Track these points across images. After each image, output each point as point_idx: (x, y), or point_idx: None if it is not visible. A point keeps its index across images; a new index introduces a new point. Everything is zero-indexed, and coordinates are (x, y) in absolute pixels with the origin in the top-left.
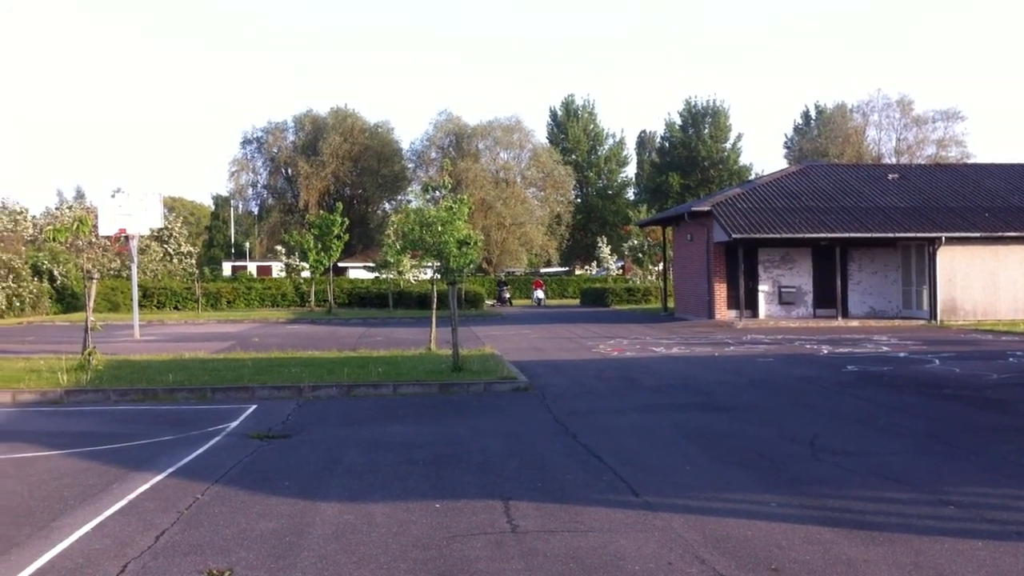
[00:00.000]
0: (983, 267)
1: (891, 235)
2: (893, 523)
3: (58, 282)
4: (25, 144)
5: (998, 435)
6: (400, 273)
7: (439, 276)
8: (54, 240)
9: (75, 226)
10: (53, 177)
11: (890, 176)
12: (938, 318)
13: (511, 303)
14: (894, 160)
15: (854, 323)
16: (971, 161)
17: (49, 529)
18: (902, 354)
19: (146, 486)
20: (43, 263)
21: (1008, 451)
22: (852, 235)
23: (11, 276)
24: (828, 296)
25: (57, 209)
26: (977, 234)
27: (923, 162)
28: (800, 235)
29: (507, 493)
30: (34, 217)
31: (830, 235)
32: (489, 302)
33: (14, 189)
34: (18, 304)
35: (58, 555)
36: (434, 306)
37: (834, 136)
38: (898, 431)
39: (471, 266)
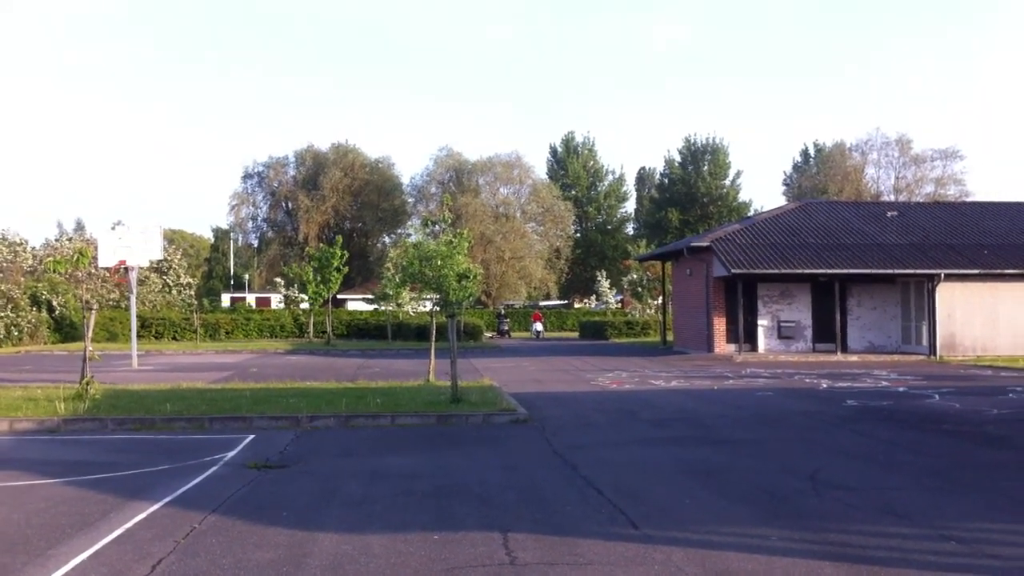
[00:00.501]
0: (982, 303)
1: (890, 271)
2: (894, 558)
3: (56, 312)
4: (25, 176)
5: (999, 470)
6: (399, 305)
7: (438, 308)
8: (54, 271)
9: (75, 258)
10: (53, 209)
11: (889, 214)
12: (937, 353)
13: (510, 335)
14: (893, 198)
15: (853, 358)
16: (970, 199)
17: (45, 557)
18: (902, 389)
19: (143, 515)
20: (42, 293)
21: (1009, 486)
22: (851, 271)
23: (9, 306)
24: (827, 331)
25: (57, 240)
26: (976, 271)
27: (922, 200)
28: (799, 271)
29: (506, 525)
30: (34, 248)
31: (829, 271)
32: (488, 334)
33: (14, 220)
34: (16, 333)
35: None
36: (433, 338)
37: (833, 174)
38: (899, 466)
39: (470, 299)
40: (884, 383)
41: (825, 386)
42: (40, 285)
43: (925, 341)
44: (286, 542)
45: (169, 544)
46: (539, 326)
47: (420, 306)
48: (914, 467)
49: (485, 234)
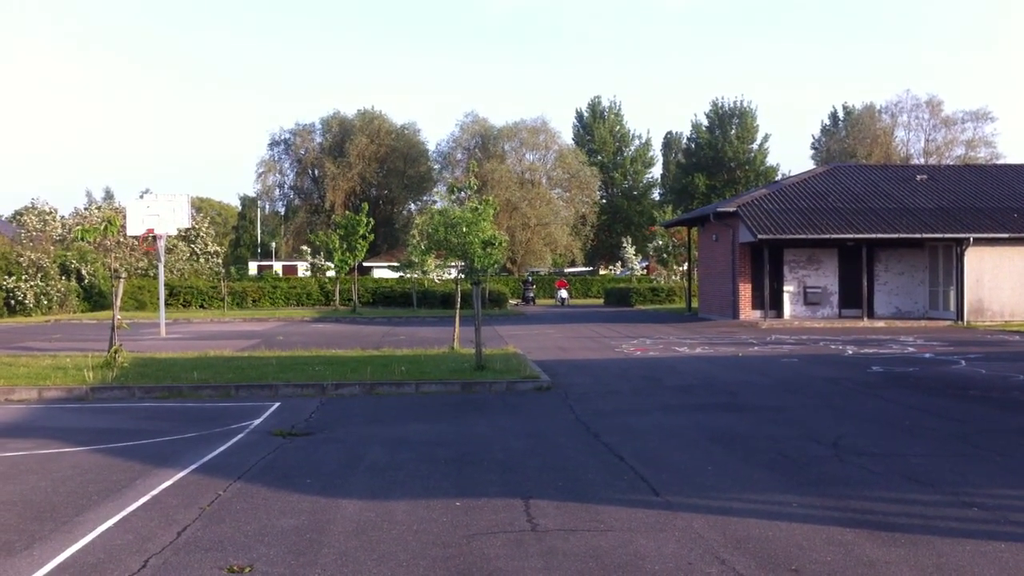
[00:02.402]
0: (1012, 268)
1: (918, 236)
2: (916, 525)
3: (86, 281)
4: (55, 145)
5: None
6: (424, 273)
7: (463, 276)
8: (82, 240)
9: (103, 226)
10: (82, 178)
11: (918, 177)
12: (965, 319)
13: (535, 302)
14: (923, 161)
15: (880, 324)
16: (1001, 162)
17: (72, 524)
18: (928, 355)
19: (169, 482)
20: (71, 262)
21: None
22: (879, 236)
23: (39, 275)
24: (854, 297)
25: (86, 209)
26: (1006, 235)
27: (952, 163)
28: (826, 236)
29: (528, 492)
30: (63, 217)
31: (857, 236)
32: (513, 301)
33: (44, 190)
34: (45, 302)
35: (80, 550)
36: (458, 305)
37: (862, 137)
38: (923, 432)
39: (495, 266)
40: (910, 349)
41: (850, 352)
42: (69, 254)
43: (952, 306)
44: (310, 508)
45: (195, 511)
46: (564, 293)
47: (445, 273)
48: (938, 433)
49: (511, 200)
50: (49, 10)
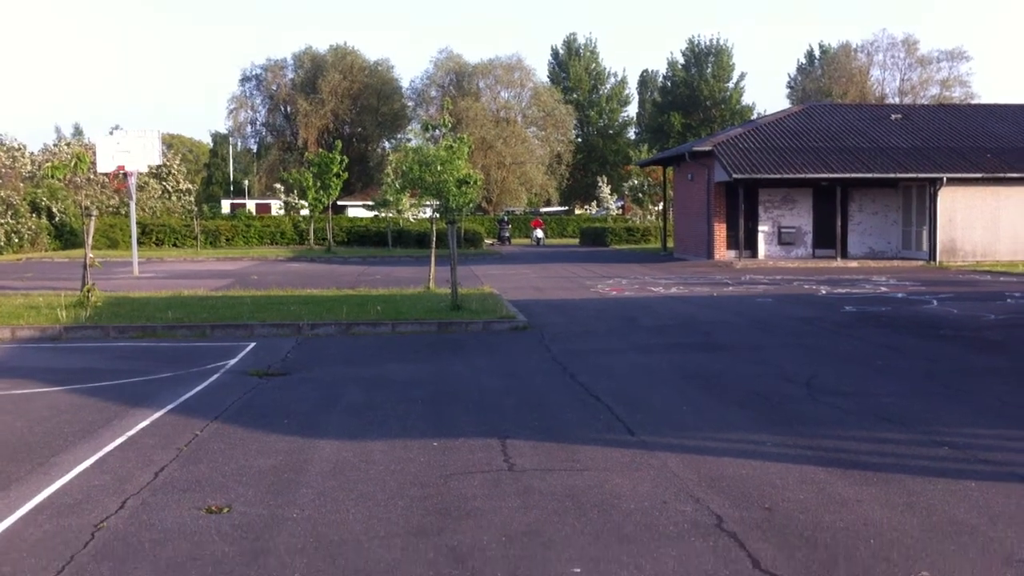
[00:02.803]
0: (984, 208)
1: (892, 175)
2: (888, 463)
3: (56, 219)
4: (23, 80)
5: (994, 376)
6: (399, 212)
7: (438, 215)
8: (52, 177)
9: (73, 163)
10: (51, 114)
11: (893, 116)
12: (937, 259)
13: (510, 242)
14: (898, 100)
15: (853, 264)
16: (976, 102)
17: (48, 465)
18: (900, 295)
19: (145, 422)
20: (41, 200)
21: (1004, 392)
22: (853, 175)
23: (9, 212)
24: (828, 237)
25: (55, 146)
26: (979, 175)
27: (927, 102)
28: (801, 175)
29: (504, 432)
30: (32, 154)
31: (831, 175)
32: (489, 241)
33: (12, 126)
34: (16, 240)
35: (57, 491)
36: (433, 245)
37: (838, 76)
38: (895, 372)
39: (470, 205)
40: (883, 289)
41: (824, 292)
42: (39, 191)
43: (925, 246)
44: (287, 448)
45: (172, 451)
46: (540, 232)
47: (420, 213)
48: (910, 373)
49: (486, 139)
50: None
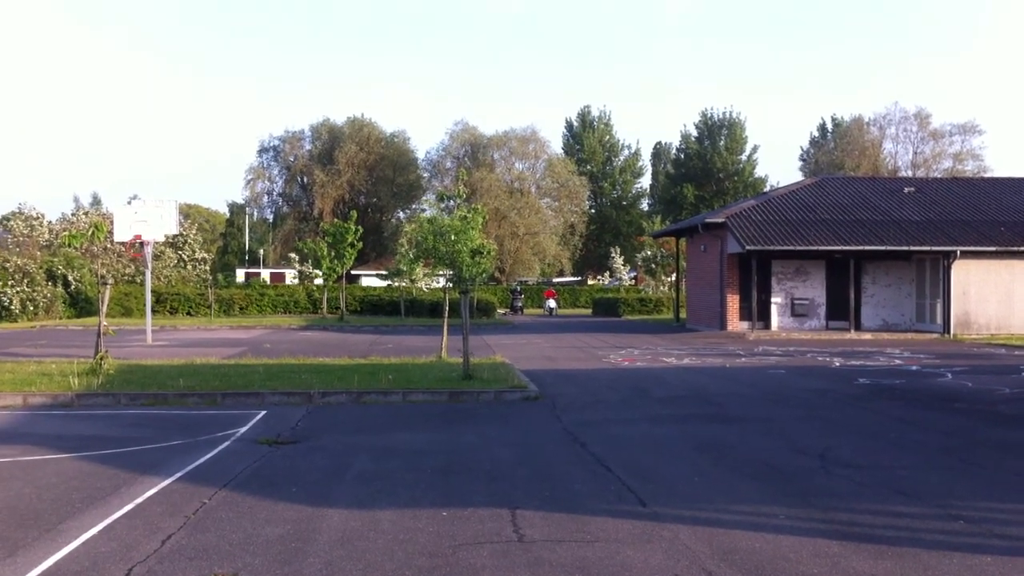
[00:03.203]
0: (998, 281)
1: (906, 248)
2: (902, 537)
3: (72, 287)
4: (43, 152)
5: (1010, 450)
6: (412, 281)
7: (451, 284)
8: (69, 245)
9: (91, 232)
10: (70, 183)
11: (906, 189)
12: (952, 332)
13: (523, 312)
14: (911, 173)
15: (867, 336)
16: (988, 175)
17: (56, 531)
18: (914, 367)
19: (154, 490)
20: (58, 268)
21: (1020, 466)
22: (866, 248)
23: (25, 280)
24: (841, 309)
25: (73, 215)
26: (992, 248)
27: (940, 175)
28: (814, 247)
29: (515, 502)
30: (50, 223)
31: (844, 248)
32: (501, 311)
33: (31, 195)
34: (31, 308)
35: (64, 558)
36: (446, 314)
37: (850, 149)
38: (909, 445)
39: (483, 275)
40: (897, 361)
41: (837, 364)
42: (56, 260)
43: (939, 319)
44: (295, 517)
45: (179, 519)
46: (552, 303)
47: (434, 282)
48: (925, 446)
49: (500, 209)
50: (37, 14)
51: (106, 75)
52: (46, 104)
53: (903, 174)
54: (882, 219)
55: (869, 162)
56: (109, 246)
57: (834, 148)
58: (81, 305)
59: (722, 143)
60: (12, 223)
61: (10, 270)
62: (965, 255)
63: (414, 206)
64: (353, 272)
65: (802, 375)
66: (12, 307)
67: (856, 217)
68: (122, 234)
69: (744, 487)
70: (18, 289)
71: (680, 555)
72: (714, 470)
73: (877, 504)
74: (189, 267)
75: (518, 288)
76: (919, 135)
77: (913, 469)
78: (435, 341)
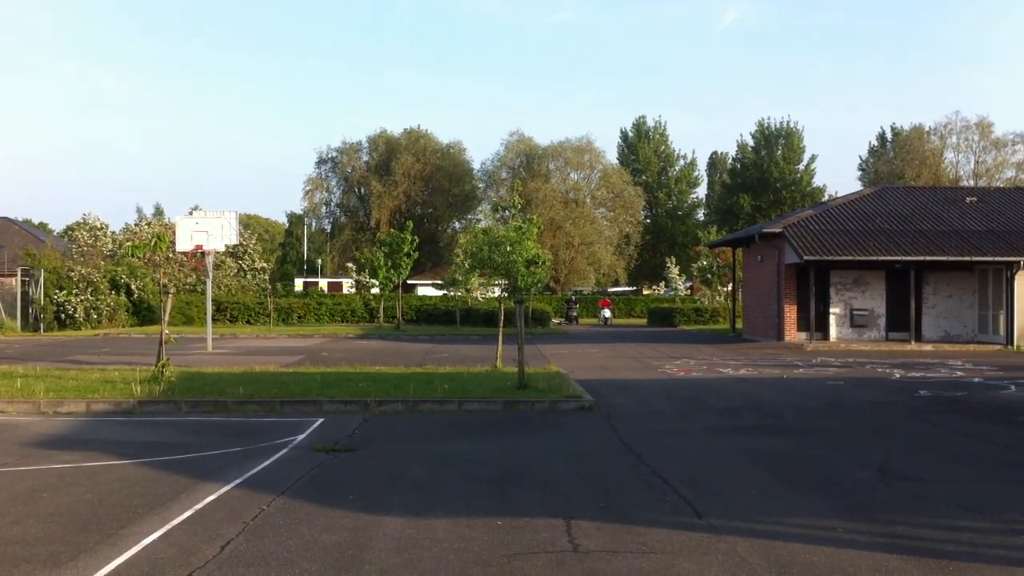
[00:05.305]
0: None
1: (967, 259)
2: (963, 552)
3: (135, 295)
4: (108, 162)
5: None
6: (468, 291)
7: (507, 294)
8: (132, 255)
9: (153, 242)
10: (134, 195)
11: (968, 199)
12: (1015, 343)
13: (578, 321)
14: (972, 183)
15: (927, 347)
16: None
17: (117, 537)
18: (976, 379)
19: (213, 496)
20: (121, 277)
21: None
22: (927, 258)
23: (89, 289)
24: (901, 320)
25: (136, 225)
26: None
27: (1002, 185)
28: (873, 258)
29: (570, 512)
30: (114, 233)
31: (904, 258)
32: (556, 320)
33: (95, 206)
34: (95, 316)
35: (124, 563)
36: (501, 324)
37: (910, 158)
38: (970, 458)
39: (538, 285)
40: (959, 373)
41: (897, 376)
42: (119, 269)
43: (1002, 330)
44: (352, 525)
45: (238, 525)
46: (607, 312)
47: (489, 292)
48: (986, 459)
49: (555, 219)
50: (104, 31)
51: (169, 88)
52: (112, 117)
53: (964, 183)
54: (943, 229)
55: (930, 172)
56: (171, 256)
57: (894, 158)
58: (143, 313)
59: (779, 152)
60: (77, 233)
61: (75, 279)
62: None
63: (469, 216)
64: (409, 282)
65: (861, 386)
66: (76, 315)
67: (917, 227)
68: (184, 244)
69: (802, 499)
70: (82, 298)
71: (737, 568)
72: (771, 482)
73: (938, 518)
74: (249, 276)
75: (573, 298)
76: (980, 144)
77: (975, 482)
78: (490, 350)
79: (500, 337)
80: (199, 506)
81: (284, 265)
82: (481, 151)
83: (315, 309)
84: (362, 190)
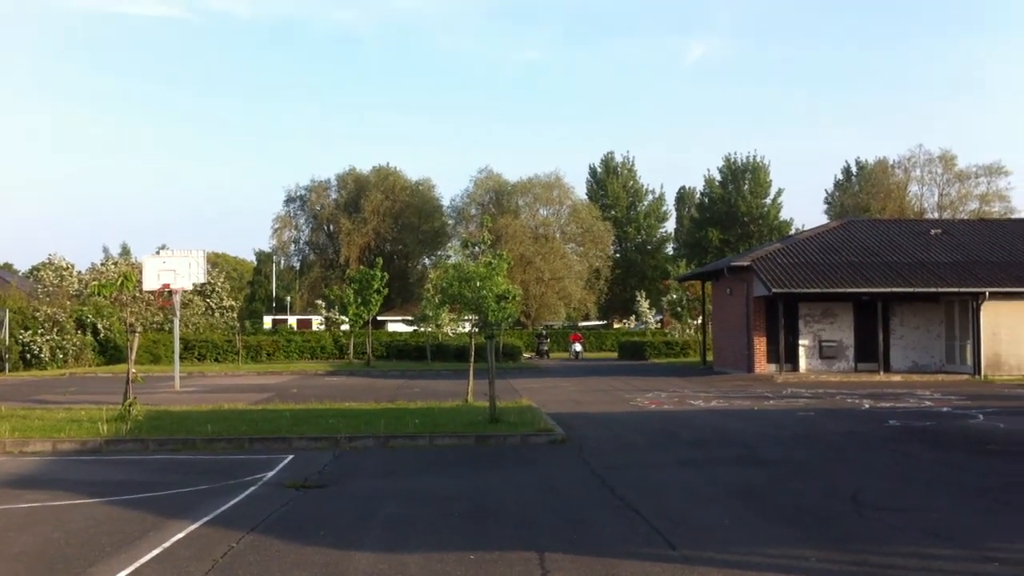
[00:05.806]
0: None
1: (934, 290)
2: None
3: (101, 335)
4: (72, 202)
5: None
6: (438, 326)
7: (477, 329)
8: (99, 295)
9: (119, 281)
10: (99, 234)
11: (933, 231)
12: (982, 373)
13: (549, 356)
14: (937, 215)
15: (896, 377)
16: (1015, 216)
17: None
18: (945, 409)
19: (182, 534)
20: (87, 316)
21: None
22: (894, 290)
23: (55, 329)
24: (870, 350)
25: (102, 265)
26: (1021, 289)
27: (966, 217)
28: (841, 290)
29: (542, 545)
30: (80, 272)
31: (872, 290)
32: (527, 355)
33: (61, 246)
34: (61, 356)
35: None
36: (472, 359)
37: (875, 191)
38: (942, 487)
39: (509, 320)
40: (927, 403)
41: (867, 406)
42: (85, 308)
43: (969, 360)
44: (323, 561)
45: (207, 563)
46: (578, 346)
47: (459, 327)
48: (957, 488)
49: (524, 255)
50: (68, 69)
51: (135, 126)
52: (75, 156)
53: (929, 216)
54: (909, 261)
55: (895, 204)
56: (138, 295)
57: (859, 191)
58: (110, 353)
59: (746, 187)
60: (42, 273)
61: (40, 319)
62: (995, 296)
63: (439, 252)
64: (379, 318)
65: (832, 417)
66: (42, 355)
67: (883, 259)
68: (151, 283)
69: (775, 530)
70: (48, 337)
71: None
72: (744, 513)
73: (911, 547)
74: (217, 314)
75: (544, 332)
76: (944, 177)
77: (947, 511)
78: (461, 385)
79: (471, 372)
80: (167, 544)
81: (253, 303)
82: (450, 188)
83: (284, 346)
84: (331, 227)
